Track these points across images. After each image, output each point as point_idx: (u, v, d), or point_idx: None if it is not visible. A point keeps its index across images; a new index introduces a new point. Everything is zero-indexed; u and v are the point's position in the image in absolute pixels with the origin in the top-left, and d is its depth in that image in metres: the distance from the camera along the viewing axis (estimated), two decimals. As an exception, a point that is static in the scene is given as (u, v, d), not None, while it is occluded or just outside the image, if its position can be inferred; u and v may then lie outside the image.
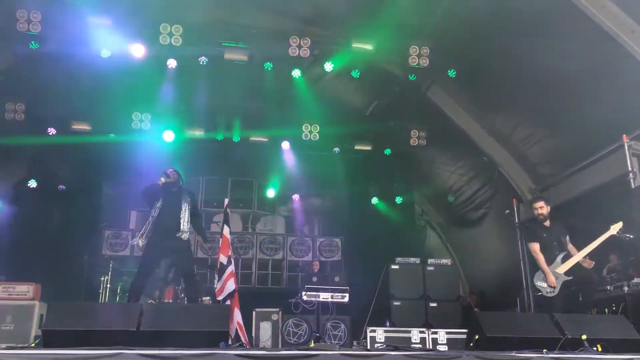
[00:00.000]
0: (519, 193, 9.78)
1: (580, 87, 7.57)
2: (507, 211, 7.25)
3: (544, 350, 4.91)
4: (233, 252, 11.46)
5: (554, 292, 6.70)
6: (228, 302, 7.25)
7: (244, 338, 7.22)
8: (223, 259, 7.52)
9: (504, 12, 7.48)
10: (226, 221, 7.81)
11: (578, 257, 6.63)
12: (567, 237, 6.93)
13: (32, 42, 8.06)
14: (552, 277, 6.68)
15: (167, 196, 6.85)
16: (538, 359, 4.55)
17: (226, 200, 7.98)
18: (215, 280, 7.59)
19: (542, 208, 6.97)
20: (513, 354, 4.66)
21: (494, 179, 10.39)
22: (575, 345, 5.25)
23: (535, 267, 6.93)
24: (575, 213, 8.32)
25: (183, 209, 6.87)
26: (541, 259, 6.81)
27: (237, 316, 7.27)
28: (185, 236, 6.82)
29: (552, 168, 9.24)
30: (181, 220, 6.82)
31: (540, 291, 6.81)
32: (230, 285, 7.36)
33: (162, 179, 6.77)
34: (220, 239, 7.79)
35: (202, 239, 7.44)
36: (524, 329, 5.64)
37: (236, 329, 7.13)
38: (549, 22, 7.14)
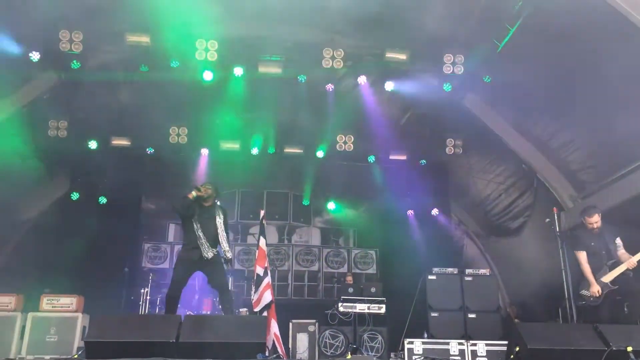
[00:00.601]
0: (560, 201, 9.54)
1: (622, 91, 7.36)
2: (548, 220, 7.09)
3: (588, 362, 4.76)
4: (269, 263, 11.60)
5: (598, 301, 6.57)
6: (265, 314, 7.28)
7: (280, 349, 7.22)
8: (260, 270, 7.57)
9: (540, 17, 7.37)
10: (262, 233, 7.86)
11: (625, 265, 6.46)
12: (618, 241, 6.75)
13: (74, 61, 8.35)
14: (596, 286, 6.55)
15: (201, 211, 6.93)
16: (582, 372, 4.41)
17: (262, 212, 8.04)
18: (252, 292, 7.64)
19: (597, 223, 6.80)
20: (556, 366, 4.54)
21: (533, 187, 10.17)
22: (620, 357, 5.07)
23: (580, 275, 6.79)
24: (619, 221, 8.07)
25: (217, 224, 6.95)
26: (587, 267, 6.69)
27: (274, 327, 7.29)
28: (211, 254, 6.82)
29: (595, 175, 8.98)
30: (215, 235, 6.91)
31: (584, 300, 6.69)
32: (267, 297, 7.39)
33: (193, 193, 6.85)
34: (257, 251, 7.84)
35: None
36: (567, 340, 5.48)
37: (273, 341, 7.15)
38: (588, 27, 6.98)
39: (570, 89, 8.01)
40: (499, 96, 9.47)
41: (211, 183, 7.13)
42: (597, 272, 6.66)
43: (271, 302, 7.41)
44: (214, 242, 6.85)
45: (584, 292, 6.71)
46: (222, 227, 6.96)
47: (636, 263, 6.46)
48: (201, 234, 6.78)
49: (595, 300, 6.60)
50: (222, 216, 7.03)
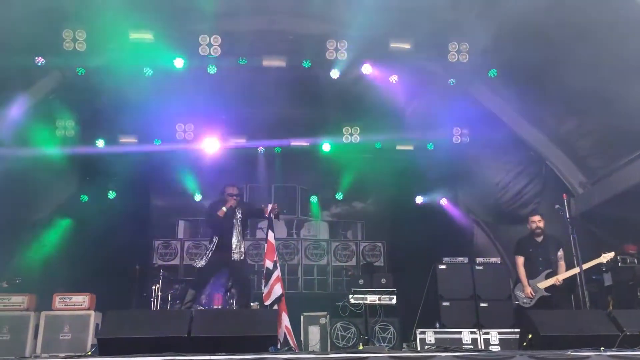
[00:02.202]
0: (569, 187, 9.48)
1: (632, 73, 7.28)
2: (557, 206, 7.05)
3: (602, 348, 4.72)
4: (279, 258, 11.62)
5: (530, 303, 7.23)
6: (275, 307, 7.30)
7: (292, 342, 7.25)
8: (269, 264, 7.60)
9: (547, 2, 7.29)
10: (271, 226, 7.89)
11: (561, 276, 7.13)
12: (559, 253, 7.37)
13: (79, 64, 8.38)
14: (529, 289, 7.24)
15: (226, 219, 7.43)
16: (596, 358, 4.38)
17: (269, 206, 8.06)
18: (262, 286, 7.67)
19: (540, 222, 7.49)
20: (569, 352, 4.51)
21: (541, 174, 10.10)
22: (634, 342, 5.04)
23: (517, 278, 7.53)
24: (630, 206, 8.01)
25: (235, 231, 7.41)
26: (522, 271, 7.42)
27: (285, 320, 7.31)
28: (236, 257, 7.35)
29: (604, 159, 8.90)
30: (233, 239, 7.43)
31: (518, 300, 7.40)
32: (278, 290, 7.41)
33: (224, 209, 7.10)
34: (266, 245, 7.87)
35: None
36: (580, 326, 5.47)
37: (284, 333, 7.17)
38: (597, 9, 6.89)
39: (578, 74, 7.92)
40: (505, 83, 9.39)
41: (234, 186, 7.50)
42: (533, 277, 7.32)
43: (281, 295, 7.44)
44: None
45: (518, 293, 7.40)
46: (240, 230, 7.53)
47: (561, 281, 7.15)
48: (225, 240, 7.39)
49: (527, 302, 7.23)
50: (241, 214, 7.57)
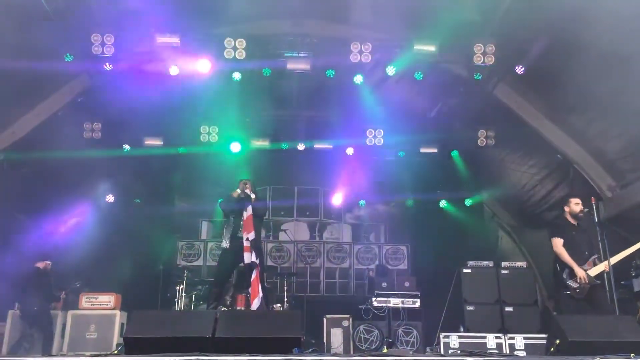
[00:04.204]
0: (598, 191, 9.31)
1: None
2: (586, 209, 6.87)
3: (632, 354, 4.62)
4: (301, 260, 11.61)
5: (582, 294, 6.47)
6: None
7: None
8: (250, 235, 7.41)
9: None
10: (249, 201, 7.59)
11: (613, 259, 6.41)
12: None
13: (107, 63, 8.49)
14: (582, 272, 6.44)
15: (239, 207, 7.44)
16: (626, 364, 4.29)
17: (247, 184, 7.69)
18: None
19: (578, 205, 6.81)
20: (597, 358, 4.42)
21: (569, 178, 9.93)
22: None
23: (562, 265, 6.64)
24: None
25: (246, 215, 7.36)
26: (565, 254, 6.56)
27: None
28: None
29: (634, 162, 8.73)
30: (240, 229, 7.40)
31: (568, 291, 6.54)
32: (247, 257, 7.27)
33: (238, 191, 7.32)
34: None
35: None
36: (608, 332, 5.34)
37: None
38: (625, 12, 6.77)
39: (605, 74, 7.77)
40: (531, 86, 9.28)
41: (249, 180, 7.58)
42: (581, 264, 6.54)
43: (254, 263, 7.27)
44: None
45: (569, 282, 6.54)
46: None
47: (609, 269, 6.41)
48: (237, 229, 7.36)
49: (580, 291, 6.47)
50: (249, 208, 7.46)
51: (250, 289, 7.21)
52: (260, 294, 7.12)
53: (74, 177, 10.00)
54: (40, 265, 8.72)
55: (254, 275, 7.21)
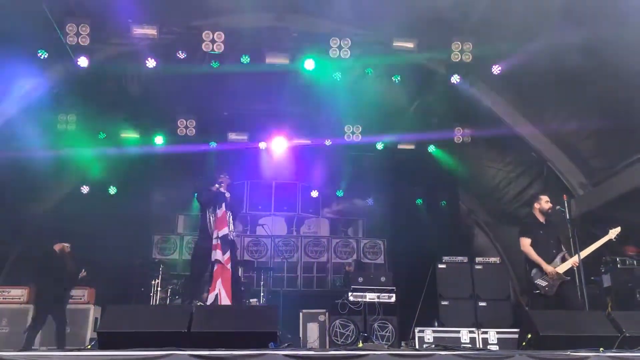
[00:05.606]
0: (570, 188, 9.48)
1: (635, 75, 7.26)
2: (558, 207, 6.99)
3: (601, 348, 4.73)
4: (278, 255, 11.59)
5: (552, 290, 6.57)
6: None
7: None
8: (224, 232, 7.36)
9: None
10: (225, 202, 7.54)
11: (583, 253, 6.51)
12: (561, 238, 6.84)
13: (81, 54, 8.34)
14: (551, 268, 6.56)
15: (217, 201, 7.37)
16: (595, 358, 4.38)
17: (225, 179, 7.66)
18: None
19: (547, 202, 6.94)
20: (568, 352, 4.51)
21: (543, 175, 10.09)
22: (633, 343, 5.04)
23: (531, 264, 6.76)
24: (630, 207, 8.01)
25: (220, 212, 7.32)
26: (534, 254, 6.68)
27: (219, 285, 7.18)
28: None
29: (606, 161, 8.90)
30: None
31: (538, 290, 6.66)
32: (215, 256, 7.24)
33: (217, 186, 7.30)
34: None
35: None
36: (579, 327, 5.46)
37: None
38: (602, 11, 6.88)
39: (581, 75, 7.91)
40: (508, 84, 9.39)
41: (226, 175, 7.54)
42: (548, 261, 6.65)
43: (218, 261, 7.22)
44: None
45: (538, 280, 6.65)
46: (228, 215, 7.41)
47: (578, 264, 6.55)
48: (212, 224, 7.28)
49: (550, 289, 6.56)
50: (227, 203, 7.43)
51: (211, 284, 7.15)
52: (217, 290, 7.07)
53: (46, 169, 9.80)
54: (57, 247, 8.35)
55: (216, 268, 7.16)
